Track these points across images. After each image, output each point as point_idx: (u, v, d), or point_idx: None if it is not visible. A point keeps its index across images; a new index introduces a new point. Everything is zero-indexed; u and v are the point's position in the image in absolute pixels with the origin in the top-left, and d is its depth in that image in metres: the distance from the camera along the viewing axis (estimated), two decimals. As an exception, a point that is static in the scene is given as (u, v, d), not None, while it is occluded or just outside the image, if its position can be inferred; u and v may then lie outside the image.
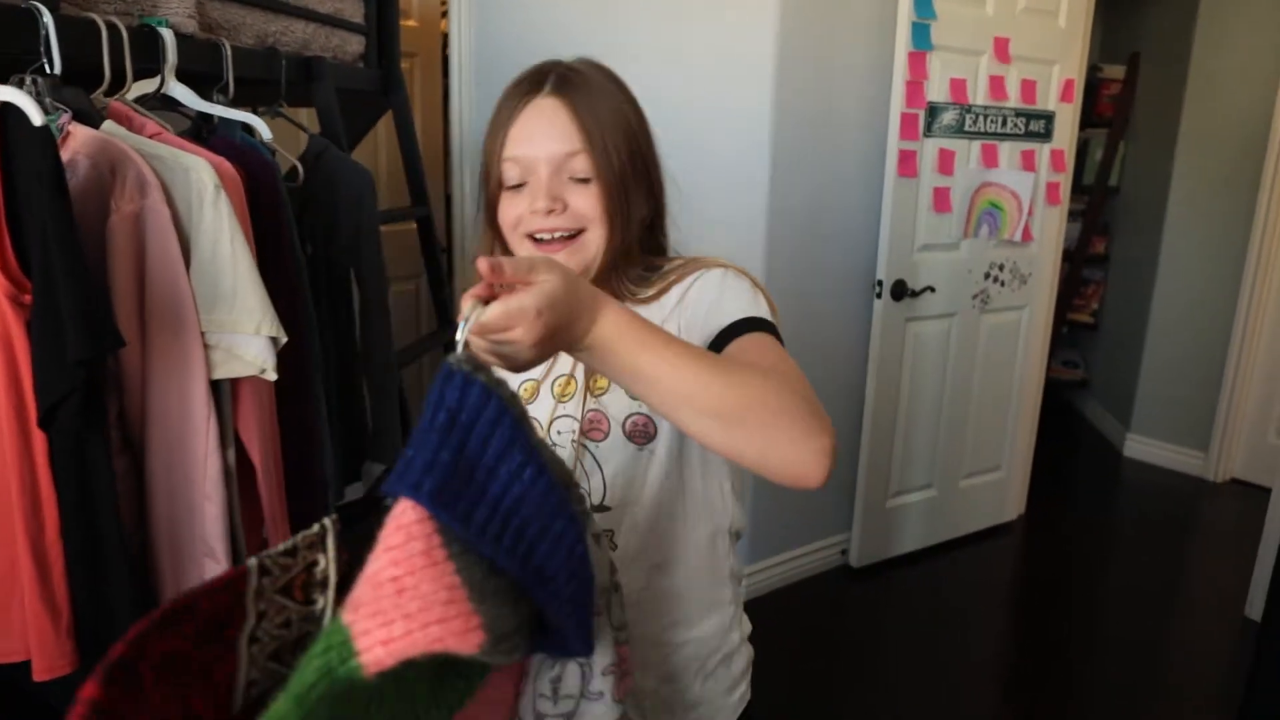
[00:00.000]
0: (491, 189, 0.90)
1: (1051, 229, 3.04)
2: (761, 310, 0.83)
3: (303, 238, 1.58)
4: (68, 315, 0.91)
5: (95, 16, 1.16)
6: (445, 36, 2.92)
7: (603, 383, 0.89)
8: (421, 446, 0.52)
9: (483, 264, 0.59)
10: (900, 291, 2.65)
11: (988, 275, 2.88)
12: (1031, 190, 2.84)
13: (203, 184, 1.12)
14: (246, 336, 1.15)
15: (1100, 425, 4.36)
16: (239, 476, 1.23)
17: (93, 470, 1.00)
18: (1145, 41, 4.05)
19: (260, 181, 1.34)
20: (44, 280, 0.91)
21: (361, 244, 1.70)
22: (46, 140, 0.91)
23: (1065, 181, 3.01)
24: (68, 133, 1.09)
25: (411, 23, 2.98)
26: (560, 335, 0.62)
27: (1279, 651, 1.99)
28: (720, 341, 0.79)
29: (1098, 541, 3.27)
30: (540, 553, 0.57)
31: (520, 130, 0.86)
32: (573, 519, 0.60)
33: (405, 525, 0.51)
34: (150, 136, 1.19)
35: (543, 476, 0.57)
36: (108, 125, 1.14)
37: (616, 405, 0.87)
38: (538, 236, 0.87)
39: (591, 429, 0.88)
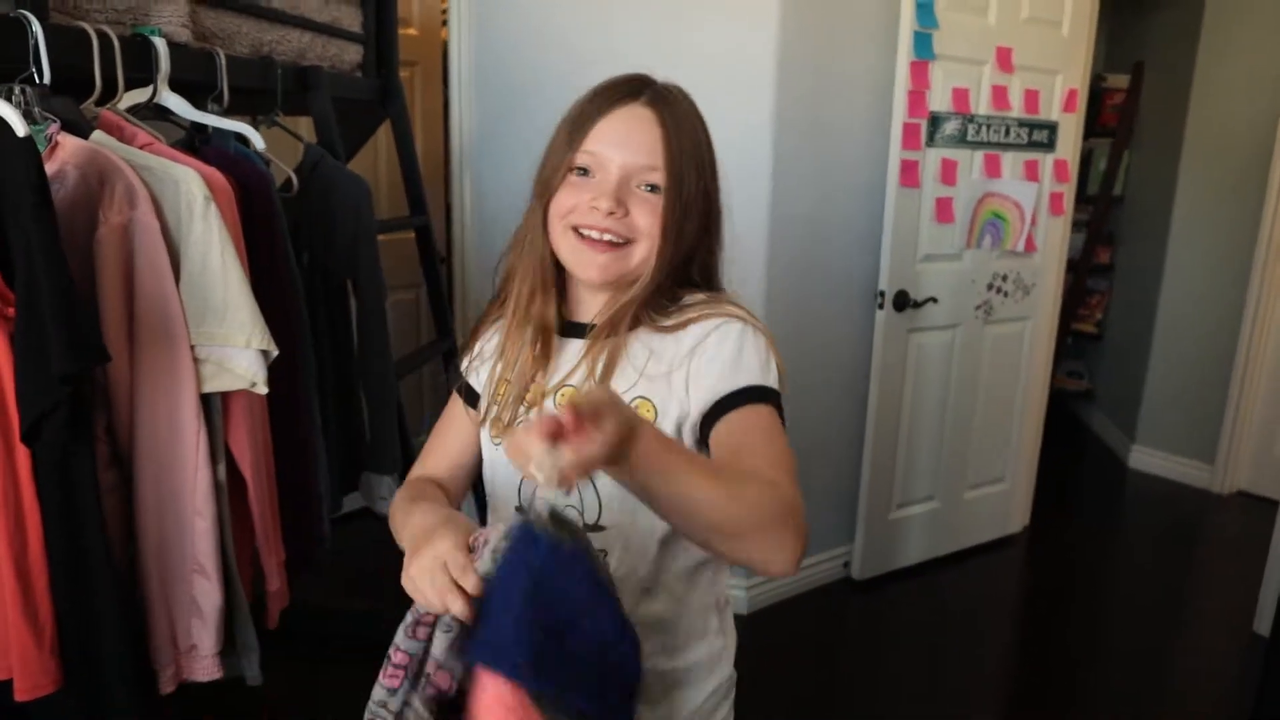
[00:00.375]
0: (554, 176, 0.88)
1: (1055, 239, 3.01)
2: (770, 378, 0.84)
3: (299, 248, 1.57)
4: (51, 329, 0.89)
5: (86, 25, 1.15)
6: (446, 45, 2.91)
7: None
8: (509, 614, 0.58)
9: (568, 416, 0.58)
10: (903, 302, 2.63)
11: (991, 286, 2.86)
12: (1035, 200, 2.82)
13: (192, 195, 1.10)
14: (237, 349, 1.14)
15: (1105, 436, 4.32)
16: (230, 491, 1.21)
17: (78, 485, 0.99)
18: (1149, 50, 4.04)
19: (254, 192, 1.32)
20: (27, 293, 0.90)
21: (358, 254, 1.69)
22: (30, 151, 0.90)
23: (1069, 192, 2.99)
24: (56, 143, 1.08)
25: (411, 31, 2.98)
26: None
27: (1288, 668, 1.97)
28: (725, 405, 0.82)
29: (1103, 553, 3.24)
30: (614, 685, 0.63)
31: (608, 129, 0.86)
32: (635, 641, 0.65)
33: (504, 701, 0.58)
34: (141, 147, 1.17)
35: (615, 616, 0.63)
36: (97, 135, 1.13)
37: None
38: (584, 232, 0.86)
39: None
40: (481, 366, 0.97)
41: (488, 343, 0.97)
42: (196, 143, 1.38)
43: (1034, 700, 2.34)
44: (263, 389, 1.17)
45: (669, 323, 0.88)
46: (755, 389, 0.82)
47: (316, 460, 1.52)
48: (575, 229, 0.87)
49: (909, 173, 2.54)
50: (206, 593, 1.15)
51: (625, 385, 0.86)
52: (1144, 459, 3.93)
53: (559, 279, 0.92)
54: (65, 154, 1.07)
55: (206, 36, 1.46)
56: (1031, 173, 2.82)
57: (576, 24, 2.46)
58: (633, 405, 0.85)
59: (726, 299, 0.91)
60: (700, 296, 0.91)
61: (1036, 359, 3.11)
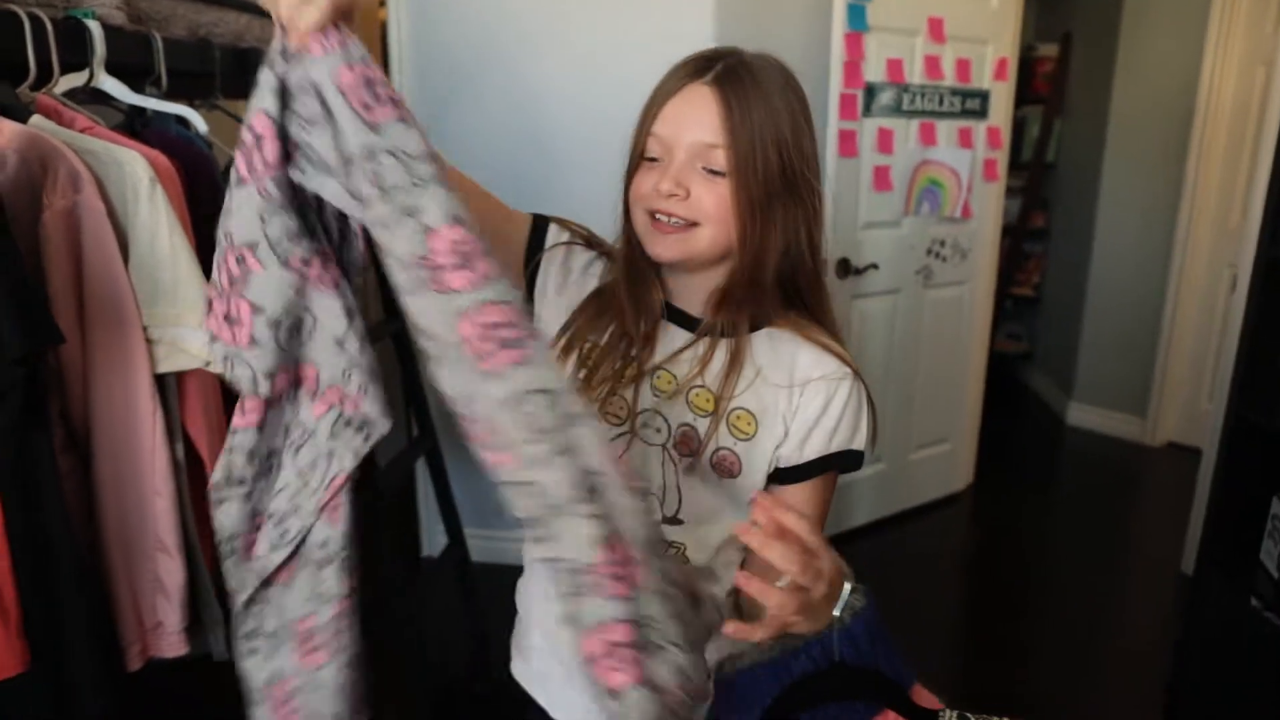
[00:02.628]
0: (632, 161, 0.89)
1: (990, 205, 3.12)
2: (859, 439, 0.92)
3: (244, 231, 1.56)
4: (3, 313, 0.90)
5: (16, 8, 1.14)
6: (384, 25, 2.89)
7: (706, 404, 0.88)
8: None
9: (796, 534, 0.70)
10: (845, 269, 2.70)
11: (930, 251, 2.95)
12: (969, 167, 2.91)
13: (137, 177, 1.11)
14: (190, 329, 1.15)
15: (1044, 395, 4.48)
16: (188, 469, 1.22)
17: (36, 467, 0.99)
18: (1077, 21, 4.16)
19: (197, 174, 1.32)
20: (-24, 277, 0.90)
21: (305, 236, 1.68)
22: (-28, 135, 0.90)
23: (1002, 158, 3.09)
24: (-6, 128, 1.07)
25: (350, 12, 2.94)
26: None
27: (1210, 603, 2.09)
28: (814, 468, 0.90)
29: (1043, 507, 3.38)
30: None
31: (671, 110, 0.85)
32: None
33: None
34: (81, 130, 1.17)
35: None
36: (36, 120, 1.12)
37: (720, 436, 0.89)
38: (657, 215, 0.86)
39: (681, 442, 0.89)
40: (567, 280, 0.96)
41: (588, 266, 0.96)
42: (137, 126, 1.37)
43: (981, 649, 2.45)
44: (217, 368, 1.18)
45: (804, 323, 0.90)
46: (843, 455, 0.90)
47: (272, 441, 1.53)
48: (650, 213, 0.87)
49: (847, 143, 2.60)
50: (170, 570, 1.17)
51: (741, 387, 0.88)
52: (1081, 415, 4.09)
53: (644, 264, 0.91)
54: (4, 139, 1.06)
55: (142, 19, 1.44)
56: (965, 140, 2.91)
57: (517, 1, 2.46)
58: (735, 414, 0.88)
59: (842, 345, 0.93)
60: (829, 334, 0.92)
61: (976, 321, 3.22)
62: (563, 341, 0.92)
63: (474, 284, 0.65)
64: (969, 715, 0.77)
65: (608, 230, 1.02)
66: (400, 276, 0.66)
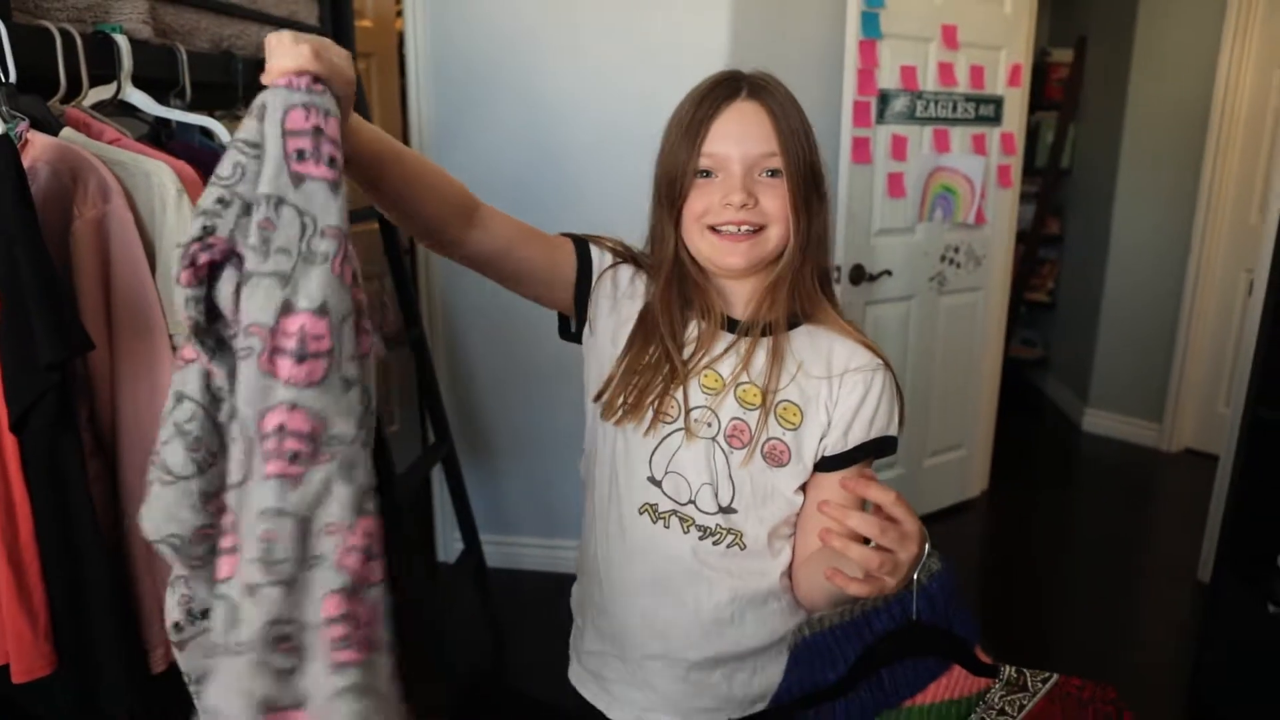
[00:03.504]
0: (684, 181, 0.93)
1: (1004, 211, 3.11)
2: (893, 426, 0.98)
3: (265, 239, 1.59)
4: (36, 319, 0.92)
5: (49, 24, 1.17)
6: (401, 36, 2.92)
7: (754, 398, 0.93)
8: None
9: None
10: (859, 276, 2.71)
11: (943, 258, 2.95)
12: (983, 173, 2.91)
13: (164, 187, 1.13)
14: (214, 337, 1.17)
15: (1059, 401, 4.46)
16: (211, 476, 1.24)
17: (66, 472, 1.01)
18: (1091, 25, 4.15)
19: (221, 184, 1.35)
20: (11, 287, 0.92)
21: (325, 244, 1.71)
22: (7, 148, 0.92)
23: (1016, 164, 3.09)
24: (26, 140, 1.10)
25: (366, 23, 2.98)
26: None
27: (1226, 611, 2.08)
28: (857, 454, 0.96)
29: (1058, 513, 3.37)
30: None
31: (721, 129, 0.92)
32: None
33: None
34: (109, 142, 1.19)
35: None
36: (66, 132, 1.15)
37: (770, 427, 0.94)
38: (721, 229, 0.92)
39: (733, 435, 0.94)
40: (616, 300, 0.99)
41: (632, 281, 1.00)
42: (162, 137, 1.40)
43: (997, 653, 2.44)
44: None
45: (837, 320, 0.96)
46: (880, 441, 0.96)
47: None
48: (711, 228, 0.92)
49: (861, 149, 2.61)
50: (194, 574, 1.18)
51: (785, 381, 0.94)
52: (1096, 421, 4.07)
53: (697, 275, 0.97)
54: (36, 151, 1.09)
55: (167, 33, 1.47)
56: (979, 146, 2.91)
57: (532, 11, 2.48)
58: (781, 406, 0.93)
59: (869, 339, 0.98)
60: (852, 324, 0.98)
61: (990, 328, 3.21)
62: (620, 371, 0.96)
63: (299, 382, 0.62)
64: (1024, 670, 0.86)
65: (622, 237, 1.05)
66: (236, 335, 0.63)
